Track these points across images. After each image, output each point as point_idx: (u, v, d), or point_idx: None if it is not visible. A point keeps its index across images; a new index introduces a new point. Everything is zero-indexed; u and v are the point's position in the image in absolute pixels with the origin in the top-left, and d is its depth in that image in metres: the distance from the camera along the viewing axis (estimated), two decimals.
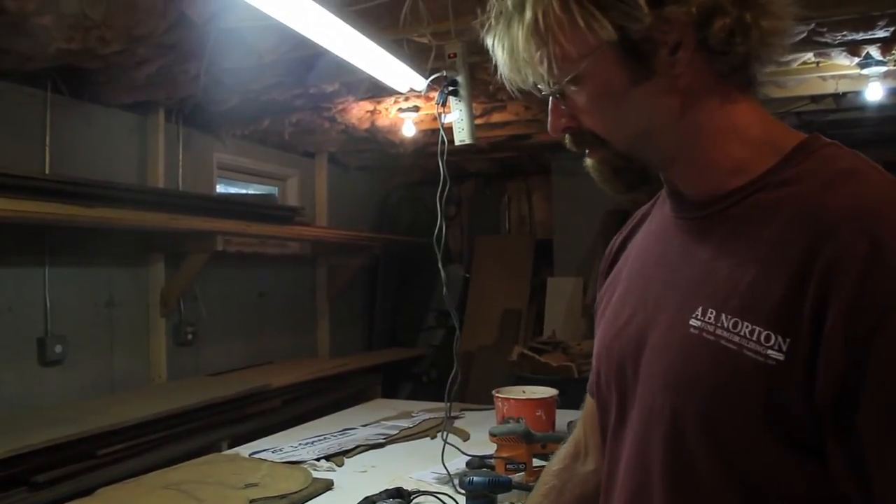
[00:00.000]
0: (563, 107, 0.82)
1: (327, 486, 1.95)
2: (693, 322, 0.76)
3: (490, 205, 6.32)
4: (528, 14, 0.75)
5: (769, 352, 0.68)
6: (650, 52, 0.75)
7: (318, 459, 2.19)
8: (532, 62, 0.77)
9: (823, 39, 3.10)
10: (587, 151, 0.84)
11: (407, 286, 6.14)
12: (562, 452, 1.10)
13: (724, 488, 0.73)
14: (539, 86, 0.80)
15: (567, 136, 0.84)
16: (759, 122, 0.80)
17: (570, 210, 5.51)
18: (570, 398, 2.92)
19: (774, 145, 0.78)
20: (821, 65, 3.54)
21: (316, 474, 2.04)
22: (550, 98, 0.82)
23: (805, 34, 3.06)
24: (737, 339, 0.71)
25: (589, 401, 1.04)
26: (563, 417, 2.51)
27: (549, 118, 0.84)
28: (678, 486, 0.77)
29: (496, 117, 4.35)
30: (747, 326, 0.70)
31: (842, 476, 0.67)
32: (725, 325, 0.72)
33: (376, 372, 5.22)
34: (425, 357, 5.95)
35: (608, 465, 0.91)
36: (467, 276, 5.99)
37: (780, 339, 0.68)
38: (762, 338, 0.69)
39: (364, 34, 2.13)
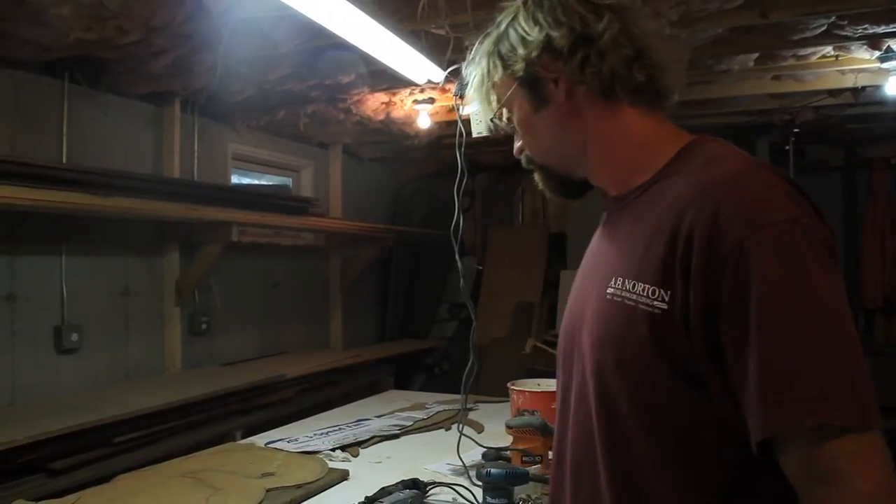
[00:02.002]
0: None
1: (343, 476, 1.95)
2: (609, 290, 0.94)
3: (504, 197, 6.31)
4: (478, 70, 1.05)
5: (655, 303, 0.86)
6: (540, 87, 1.00)
7: (333, 450, 2.20)
8: (488, 104, 1.06)
9: (844, 33, 3.07)
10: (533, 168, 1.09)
11: (420, 278, 6.14)
12: None
13: (637, 425, 0.89)
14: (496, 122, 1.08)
15: (523, 157, 1.10)
16: (640, 130, 1.00)
17: (583, 203, 5.45)
18: None
19: (658, 147, 0.99)
20: (840, 58, 3.50)
21: (331, 464, 2.05)
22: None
23: (825, 27, 3.03)
24: (634, 297, 0.89)
25: None
26: None
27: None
28: (608, 429, 0.93)
29: None
30: (641, 286, 0.89)
31: (716, 394, 0.83)
32: (627, 287, 0.91)
33: (389, 363, 5.24)
34: (438, 349, 5.95)
35: (560, 428, 1.06)
36: (480, 268, 5.98)
37: (662, 292, 0.86)
38: (650, 292, 0.87)
39: (383, 24, 2.12)
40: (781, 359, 0.77)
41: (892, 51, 3.20)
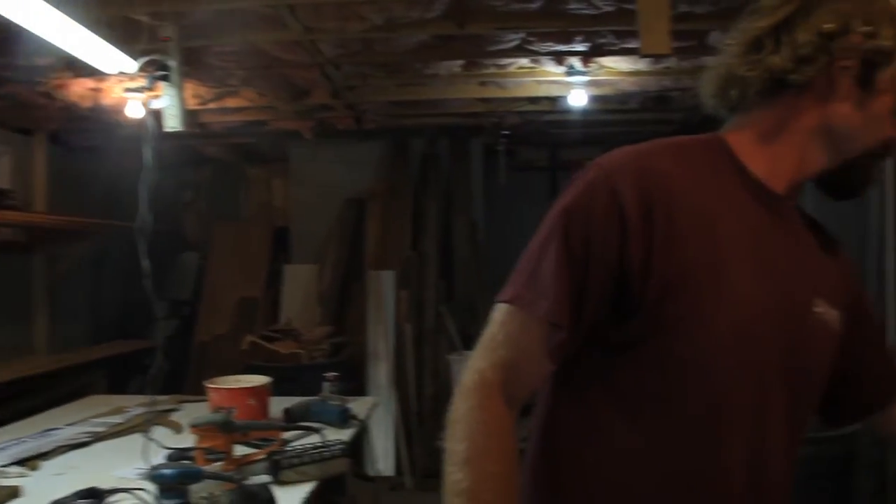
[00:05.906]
0: None
1: (12, 493, 1.82)
2: (816, 309, 0.98)
3: (230, 191, 6.16)
4: None
5: (838, 325, 1.01)
6: None
7: (7, 465, 2.04)
8: None
9: (533, 48, 3.38)
10: None
11: (138, 275, 5.83)
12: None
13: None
14: None
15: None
16: None
17: (308, 197, 5.51)
18: (299, 385, 2.95)
19: None
20: (534, 70, 3.84)
21: (3, 482, 1.90)
22: None
23: (518, 42, 3.32)
24: (833, 320, 1.00)
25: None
26: (281, 404, 2.55)
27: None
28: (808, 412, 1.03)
29: (230, 102, 4.25)
30: (833, 312, 1.00)
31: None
32: (828, 309, 0.99)
33: (101, 367, 4.91)
34: (158, 348, 5.68)
35: (744, 437, 0.93)
36: (203, 261, 5.79)
37: (840, 314, 1.01)
38: (840, 317, 1.01)
39: (61, 10, 1.99)
40: None
41: (573, 67, 3.58)
